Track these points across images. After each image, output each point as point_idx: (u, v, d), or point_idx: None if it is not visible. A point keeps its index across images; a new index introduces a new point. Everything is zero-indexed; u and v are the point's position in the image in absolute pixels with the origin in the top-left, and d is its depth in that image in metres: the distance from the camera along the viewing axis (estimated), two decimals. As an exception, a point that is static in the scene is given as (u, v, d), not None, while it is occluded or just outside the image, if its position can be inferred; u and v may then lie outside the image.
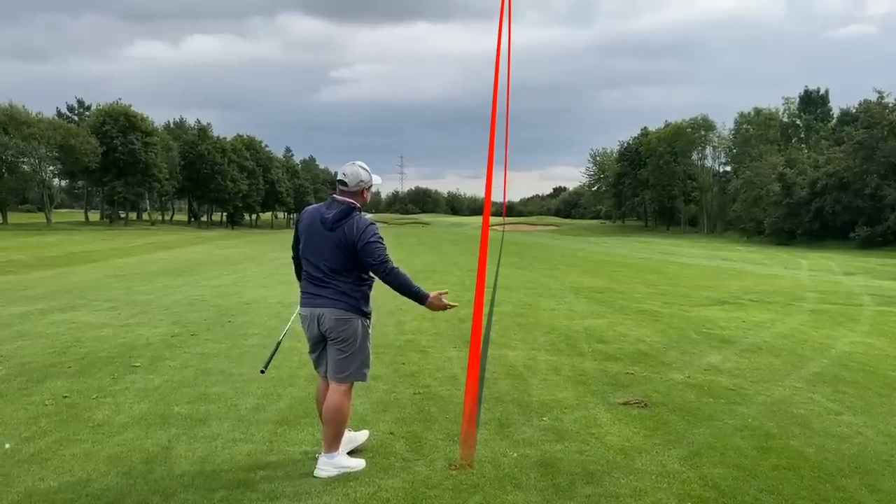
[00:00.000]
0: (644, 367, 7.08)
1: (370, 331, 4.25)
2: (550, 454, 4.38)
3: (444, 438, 4.67)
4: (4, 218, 56.88)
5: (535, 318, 10.64)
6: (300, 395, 5.79)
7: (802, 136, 74.94)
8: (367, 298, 4.18)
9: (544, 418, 5.18)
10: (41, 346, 7.87)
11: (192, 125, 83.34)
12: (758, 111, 78.15)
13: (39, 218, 62.73)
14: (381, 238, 4.03)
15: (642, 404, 5.61)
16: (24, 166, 58.34)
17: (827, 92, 76.30)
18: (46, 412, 5.21)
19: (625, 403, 5.63)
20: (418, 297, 4.02)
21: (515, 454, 4.37)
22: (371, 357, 4.30)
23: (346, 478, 3.94)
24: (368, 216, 4.09)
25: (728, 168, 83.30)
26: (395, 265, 4.01)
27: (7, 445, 4.43)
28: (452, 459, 4.26)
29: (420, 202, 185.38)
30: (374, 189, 4.24)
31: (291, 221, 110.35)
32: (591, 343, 8.42)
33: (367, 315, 4.19)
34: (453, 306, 4.17)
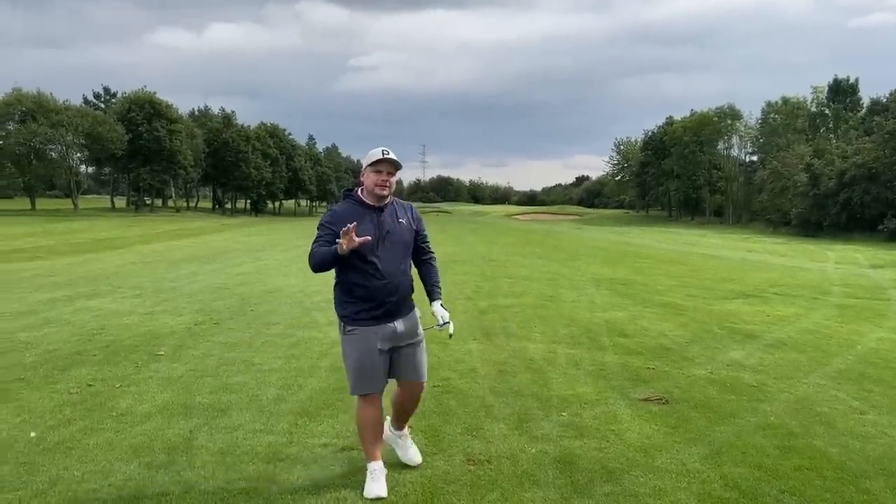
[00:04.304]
0: (666, 362, 7.02)
1: (349, 336, 3.75)
2: (569, 451, 4.37)
3: (462, 433, 4.67)
4: (33, 204, 57.77)
5: (555, 309, 10.59)
6: (321, 386, 5.83)
7: (831, 125, 73.58)
8: (340, 298, 3.78)
9: (563, 413, 5.16)
10: (67, 334, 7.99)
11: (217, 113, 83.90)
12: (785, 100, 76.90)
13: (66, 204, 63.63)
14: (320, 226, 3.68)
15: (663, 401, 5.57)
16: (52, 153, 59.17)
17: (857, 81, 74.81)
18: (71, 400, 5.30)
19: (645, 400, 5.59)
20: (335, 255, 3.49)
21: (534, 450, 4.36)
22: (358, 371, 3.74)
23: (364, 472, 3.95)
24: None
25: (754, 158, 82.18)
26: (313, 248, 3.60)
27: (32, 434, 4.51)
28: (471, 454, 4.27)
29: (442, 190, 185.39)
30: (371, 160, 3.66)
31: (315, 209, 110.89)
32: (612, 336, 8.37)
33: (343, 318, 3.78)
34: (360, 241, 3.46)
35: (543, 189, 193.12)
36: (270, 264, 18.71)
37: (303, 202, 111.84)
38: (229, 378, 6.11)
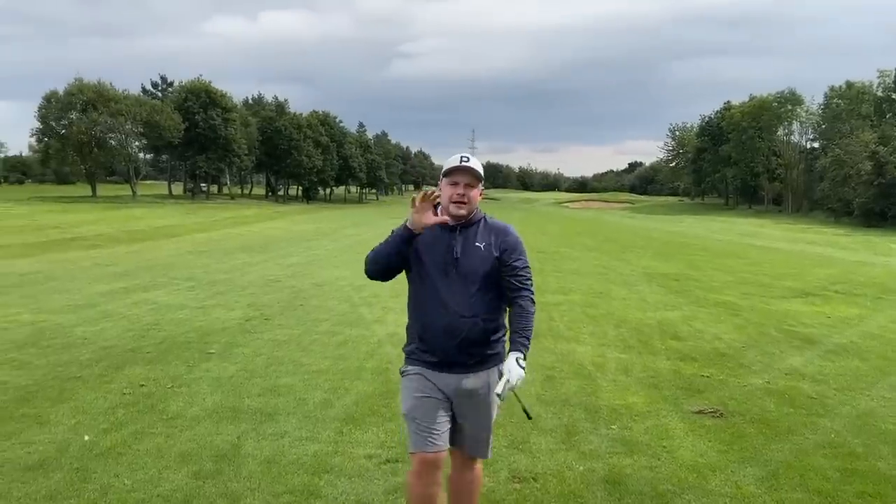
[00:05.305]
0: (721, 369, 6.81)
1: (407, 382, 3.01)
2: (618, 469, 4.25)
3: (508, 446, 4.59)
4: (93, 190, 59.52)
5: (605, 308, 10.41)
6: (367, 391, 5.81)
7: (899, 111, 70.52)
8: (407, 332, 3.11)
9: (613, 426, 5.04)
10: (122, 329, 8.17)
11: (270, 101, 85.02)
12: (849, 85, 74.01)
13: (126, 190, 65.34)
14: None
15: (718, 414, 5.39)
16: (112, 141, 60.83)
17: (928, 64, 71.52)
18: (124, 402, 5.39)
19: (699, 412, 5.42)
20: (403, 235, 2.86)
21: (582, 468, 4.26)
22: (410, 421, 2.96)
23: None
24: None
25: (815, 145, 79.46)
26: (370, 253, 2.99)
27: (86, 437, 4.60)
28: (516, 471, 4.19)
29: (491, 177, 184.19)
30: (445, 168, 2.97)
31: (364, 196, 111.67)
32: (665, 340, 8.16)
33: (405, 354, 3.10)
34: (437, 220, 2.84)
35: (594, 175, 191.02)
36: (320, 255, 18.90)
37: (353, 189, 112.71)
38: (278, 379, 6.15)
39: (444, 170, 2.97)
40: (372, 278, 3.03)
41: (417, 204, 2.76)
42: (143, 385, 5.86)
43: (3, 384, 5.81)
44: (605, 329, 8.76)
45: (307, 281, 12.89)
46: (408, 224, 2.78)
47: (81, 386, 5.80)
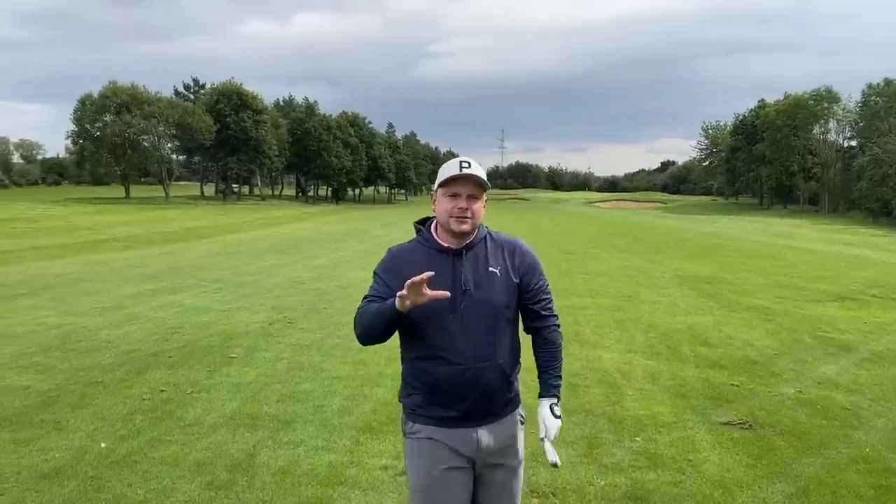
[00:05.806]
0: (751, 378, 6.60)
1: (412, 440, 2.44)
2: (641, 484, 4.11)
3: (527, 457, 4.38)
4: (127, 192, 60.54)
5: (634, 312, 10.21)
6: (385, 398, 5.73)
7: (940, 108, 68.66)
8: (405, 380, 2.49)
9: (637, 438, 4.89)
10: (147, 332, 8.21)
11: (300, 102, 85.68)
12: (888, 82, 72.30)
13: (159, 191, 66.38)
14: (374, 274, 2.59)
15: (746, 425, 5.21)
16: (145, 143, 61.90)
17: (971, 59, 69.49)
18: (143, 408, 5.39)
19: (727, 423, 5.24)
20: (390, 314, 2.25)
21: (603, 482, 4.12)
22: (423, 494, 2.39)
23: None
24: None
25: (853, 143, 77.71)
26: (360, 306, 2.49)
27: (103, 444, 4.59)
28: (535, 485, 4.07)
29: (520, 177, 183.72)
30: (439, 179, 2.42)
31: (393, 196, 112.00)
32: (694, 346, 7.96)
33: (405, 410, 2.49)
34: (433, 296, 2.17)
35: (626, 175, 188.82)
36: (347, 256, 18.91)
37: (382, 189, 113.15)
38: (297, 385, 6.11)
39: (439, 179, 2.41)
40: (367, 344, 2.46)
41: (409, 297, 2.15)
42: (163, 390, 5.85)
43: (26, 389, 5.85)
44: (632, 334, 8.58)
45: (332, 283, 12.88)
46: (397, 306, 2.20)
47: (102, 391, 5.82)
